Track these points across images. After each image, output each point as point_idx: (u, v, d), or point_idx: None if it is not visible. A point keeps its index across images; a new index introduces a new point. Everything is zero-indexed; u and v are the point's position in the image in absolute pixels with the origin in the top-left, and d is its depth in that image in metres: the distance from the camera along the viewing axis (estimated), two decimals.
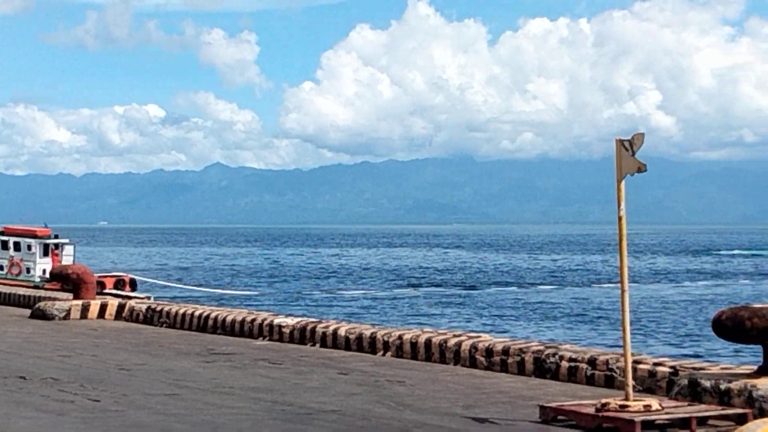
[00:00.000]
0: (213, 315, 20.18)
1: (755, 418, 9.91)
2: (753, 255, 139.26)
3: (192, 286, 73.58)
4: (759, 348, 11.00)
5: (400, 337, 16.24)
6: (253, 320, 19.13)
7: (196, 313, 20.66)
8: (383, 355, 16.28)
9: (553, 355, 13.96)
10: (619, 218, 10.65)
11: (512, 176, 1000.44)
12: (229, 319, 19.65)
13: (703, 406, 10.65)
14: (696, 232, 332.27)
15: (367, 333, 16.85)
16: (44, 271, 54.68)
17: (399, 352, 16.11)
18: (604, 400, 10.57)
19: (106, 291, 50.08)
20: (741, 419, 10.14)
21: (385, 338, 16.44)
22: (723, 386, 10.74)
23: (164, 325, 21.27)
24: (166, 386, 13.26)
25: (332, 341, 17.31)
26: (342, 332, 17.23)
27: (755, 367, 11.12)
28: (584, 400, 11.29)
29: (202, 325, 20.21)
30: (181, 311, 21.15)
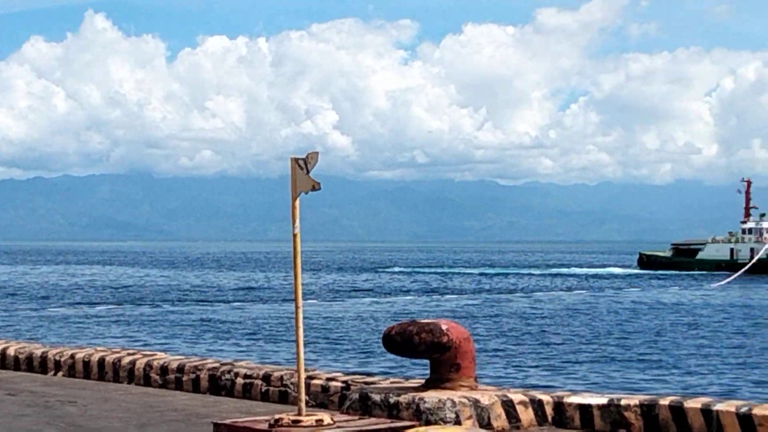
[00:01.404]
0: None
1: None
2: (412, 272, 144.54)
3: None
4: (427, 362, 11.43)
5: (72, 356, 15.78)
6: None
7: None
8: (54, 374, 15.79)
9: (229, 372, 13.97)
10: (294, 235, 10.80)
11: (191, 193, 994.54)
12: None
13: (373, 420, 10.94)
14: (370, 250, 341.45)
15: (38, 352, 16.28)
16: None
17: (71, 372, 15.66)
18: (277, 416, 10.67)
19: None
20: None
21: (57, 357, 15.94)
22: (392, 399, 11.08)
23: None
24: None
25: (1, 361, 16.62)
26: (11, 351, 16.58)
27: (423, 381, 11.55)
28: (258, 416, 11.36)
29: None
30: None
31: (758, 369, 42.46)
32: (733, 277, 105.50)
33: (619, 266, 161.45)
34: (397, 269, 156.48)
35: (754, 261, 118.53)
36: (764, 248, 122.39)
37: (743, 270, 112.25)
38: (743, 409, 10.51)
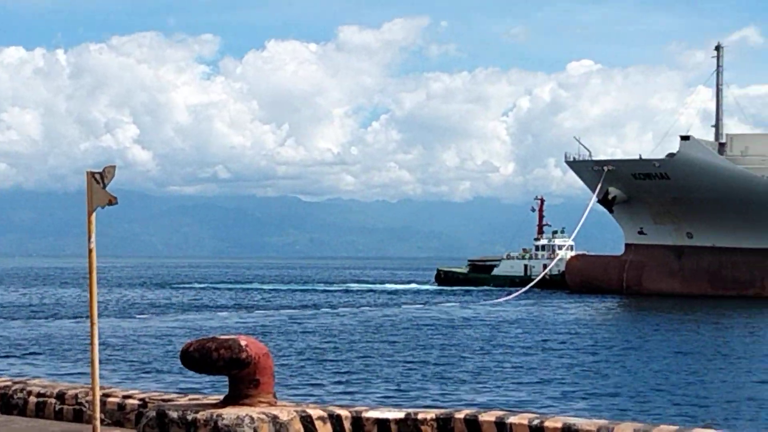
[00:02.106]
0: None
1: None
2: (211, 288, 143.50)
3: None
4: (226, 378, 11.37)
5: None
6: None
7: None
8: None
9: (21, 390, 13.58)
10: (90, 251, 10.60)
11: None
12: None
13: None
14: (169, 266, 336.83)
15: None
16: None
17: None
18: None
19: None
20: None
21: None
22: (190, 417, 10.97)
23: None
24: None
25: None
26: None
27: (221, 397, 11.47)
28: None
29: None
30: None
31: (551, 382, 43.77)
32: (520, 292, 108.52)
33: (418, 282, 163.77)
34: (196, 285, 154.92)
35: (540, 277, 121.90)
36: (553, 263, 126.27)
37: (530, 285, 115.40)
38: (535, 422, 10.81)
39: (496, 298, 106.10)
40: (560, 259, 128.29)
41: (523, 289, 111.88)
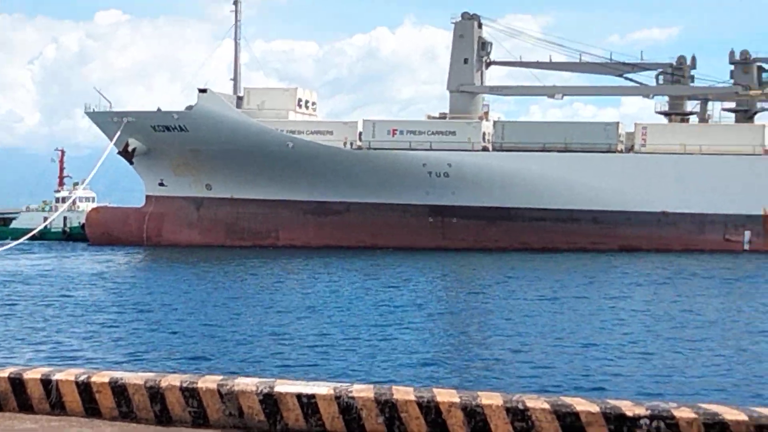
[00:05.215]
0: None
1: None
2: None
3: None
4: None
5: None
6: None
7: None
8: None
9: None
10: None
11: None
12: None
13: None
14: None
15: None
16: None
17: None
18: None
19: None
20: None
21: None
22: None
23: None
24: None
25: None
26: None
27: None
28: None
29: None
30: None
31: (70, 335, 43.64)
32: (13, 244, 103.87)
33: None
34: None
35: (37, 230, 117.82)
36: (57, 215, 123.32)
37: (25, 237, 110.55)
38: (82, 377, 11.15)
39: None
40: (80, 211, 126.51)
41: (14, 243, 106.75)
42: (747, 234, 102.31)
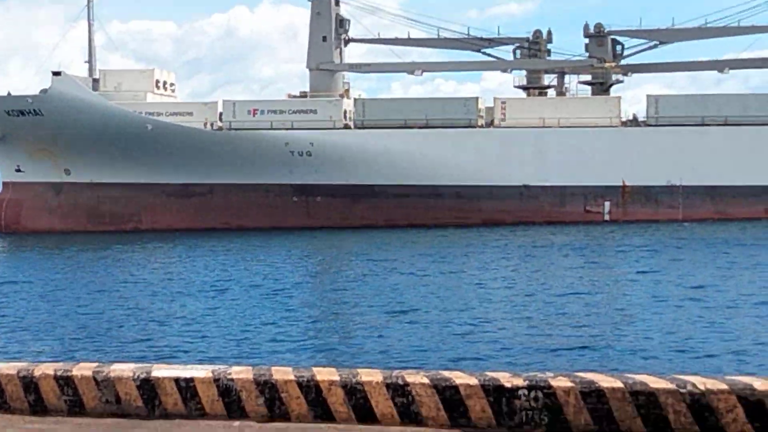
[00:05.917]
0: None
1: None
2: None
3: None
4: None
5: None
6: None
7: None
8: None
9: None
10: None
11: None
12: None
13: None
14: None
15: None
16: None
17: None
18: None
19: None
20: None
21: None
22: None
23: None
24: None
25: None
26: None
27: None
28: None
29: None
30: None
31: None
32: None
33: None
34: None
35: None
36: None
37: None
38: None
39: None
40: None
41: None
42: (607, 205, 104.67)
